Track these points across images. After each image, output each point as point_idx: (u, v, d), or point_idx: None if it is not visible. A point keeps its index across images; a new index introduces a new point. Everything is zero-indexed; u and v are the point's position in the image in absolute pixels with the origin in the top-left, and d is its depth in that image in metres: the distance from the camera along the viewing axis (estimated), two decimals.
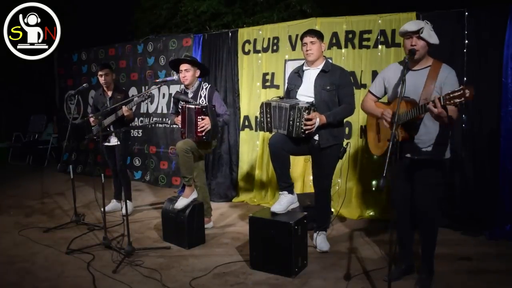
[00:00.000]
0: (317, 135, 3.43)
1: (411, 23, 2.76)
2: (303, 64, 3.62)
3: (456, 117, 2.59)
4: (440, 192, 2.98)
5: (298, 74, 3.60)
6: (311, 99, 3.42)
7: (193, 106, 3.81)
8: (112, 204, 4.95)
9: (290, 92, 3.62)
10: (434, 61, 2.76)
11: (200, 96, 4.05)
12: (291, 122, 3.29)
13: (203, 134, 3.83)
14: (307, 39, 3.44)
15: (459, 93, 2.24)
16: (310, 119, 3.24)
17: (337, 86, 3.43)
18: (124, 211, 4.69)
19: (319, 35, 3.49)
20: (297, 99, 3.50)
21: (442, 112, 2.38)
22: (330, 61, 4.49)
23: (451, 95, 2.27)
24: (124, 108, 4.34)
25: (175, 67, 4.16)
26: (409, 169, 2.84)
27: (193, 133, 3.85)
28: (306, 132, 3.28)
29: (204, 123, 3.81)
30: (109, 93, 4.78)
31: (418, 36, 2.70)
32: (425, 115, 2.65)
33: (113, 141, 4.76)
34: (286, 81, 3.87)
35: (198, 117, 3.79)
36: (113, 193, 5.04)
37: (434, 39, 2.71)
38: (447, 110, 2.41)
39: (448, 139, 2.80)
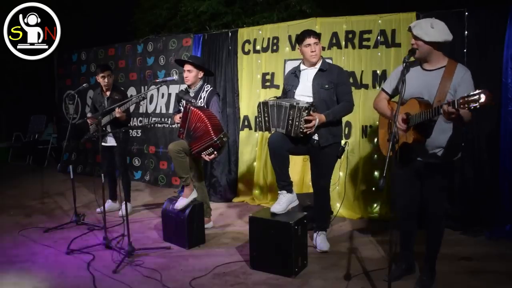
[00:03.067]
0: (317, 134, 3.42)
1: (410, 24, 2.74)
2: (299, 64, 3.62)
3: (467, 119, 2.51)
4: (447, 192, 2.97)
5: (295, 75, 3.59)
6: (310, 99, 3.41)
7: (215, 137, 3.69)
8: (108, 204, 4.93)
9: (288, 93, 3.61)
10: (449, 61, 2.67)
11: (200, 97, 4.06)
12: (290, 122, 3.29)
13: (200, 156, 3.84)
14: (311, 40, 3.42)
15: (474, 97, 2.15)
16: (309, 120, 3.24)
17: (335, 85, 3.43)
18: (121, 211, 4.74)
19: (319, 36, 3.50)
20: (295, 98, 3.50)
21: (454, 112, 2.29)
22: (330, 61, 4.51)
23: (466, 99, 2.18)
24: (117, 110, 4.34)
25: (180, 65, 4.21)
26: (419, 172, 2.82)
27: (191, 138, 3.83)
28: (306, 132, 3.28)
29: (211, 157, 3.81)
30: (107, 93, 4.78)
31: (413, 35, 2.67)
32: (439, 117, 2.59)
33: (110, 141, 4.75)
34: (283, 82, 3.86)
35: (211, 148, 3.75)
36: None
37: (432, 36, 2.59)
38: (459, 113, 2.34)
39: (461, 140, 2.76)
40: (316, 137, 3.44)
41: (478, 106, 2.15)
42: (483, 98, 2.13)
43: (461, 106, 2.21)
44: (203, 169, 4.38)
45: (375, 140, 4.44)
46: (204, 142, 3.74)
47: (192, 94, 4.11)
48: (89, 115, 4.84)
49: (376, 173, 4.49)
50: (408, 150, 2.74)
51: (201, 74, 4.11)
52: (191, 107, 3.85)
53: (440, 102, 2.51)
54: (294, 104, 3.28)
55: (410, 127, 2.64)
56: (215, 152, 3.80)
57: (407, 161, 2.79)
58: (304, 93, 3.48)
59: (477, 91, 2.16)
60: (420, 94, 2.69)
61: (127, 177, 4.88)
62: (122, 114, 4.40)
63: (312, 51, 3.42)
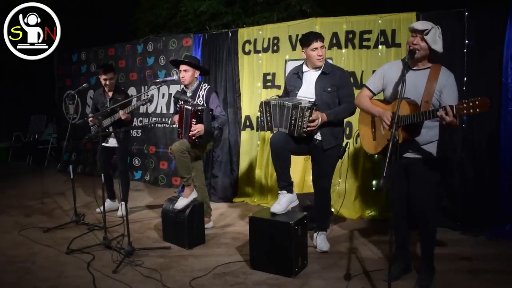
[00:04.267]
0: (320, 135, 3.42)
1: (422, 23, 2.76)
2: (301, 65, 3.61)
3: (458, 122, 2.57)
4: (436, 191, 2.97)
5: (297, 76, 3.58)
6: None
7: (189, 107, 3.78)
8: (107, 204, 4.91)
9: (290, 94, 3.61)
10: (433, 64, 2.76)
11: (199, 96, 4.06)
12: (293, 122, 3.29)
13: (195, 137, 3.82)
14: (318, 44, 3.40)
15: (473, 104, 2.20)
16: (313, 120, 3.24)
17: (337, 87, 3.43)
18: (119, 212, 4.74)
19: (323, 38, 3.50)
20: (297, 98, 3.49)
21: (453, 121, 2.35)
22: (331, 61, 4.51)
23: (464, 105, 2.24)
24: (121, 112, 4.33)
25: (176, 66, 4.20)
26: (406, 169, 2.84)
27: (187, 134, 3.85)
28: (309, 131, 3.27)
29: (197, 128, 3.76)
30: (110, 94, 4.76)
31: (421, 37, 2.68)
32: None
33: (112, 142, 4.74)
34: (285, 81, 3.87)
35: (192, 120, 3.76)
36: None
37: (438, 46, 2.68)
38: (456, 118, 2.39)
39: (443, 137, 2.79)
40: (319, 137, 3.43)
41: (476, 112, 2.20)
42: (480, 105, 2.17)
43: (461, 112, 2.27)
44: (203, 169, 4.38)
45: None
46: (188, 120, 3.77)
47: (189, 94, 4.10)
48: (90, 115, 4.83)
49: (376, 173, 4.49)
50: (398, 149, 2.75)
51: (197, 73, 4.12)
52: (184, 106, 3.87)
53: (428, 102, 2.57)
54: (297, 104, 3.27)
55: (398, 127, 2.65)
56: (197, 122, 3.74)
57: (397, 159, 2.80)
58: (307, 95, 3.47)
59: (478, 98, 2.20)
60: (406, 92, 2.70)
61: (127, 177, 4.87)
62: (127, 115, 4.40)
63: (319, 55, 3.41)
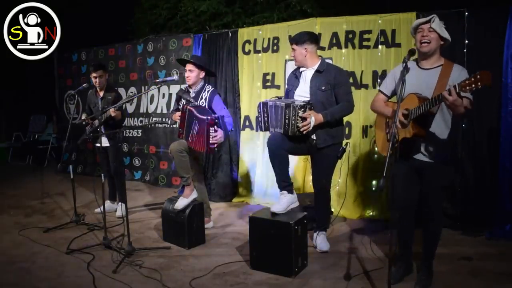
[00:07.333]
0: (315, 135, 3.42)
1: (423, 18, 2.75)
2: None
3: (468, 108, 2.54)
4: (444, 192, 2.98)
5: (295, 75, 3.61)
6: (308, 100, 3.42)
7: (204, 117, 3.66)
8: (106, 205, 4.89)
9: (289, 93, 3.64)
10: (446, 61, 2.73)
11: (201, 98, 4.04)
12: (287, 121, 3.30)
13: (215, 146, 3.77)
14: (291, 47, 3.52)
15: (474, 78, 2.19)
16: (305, 118, 3.24)
17: (333, 86, 3.42)
18: (118, 213, 4.73)
19: (297, 40, 3.47)
20: (293, 98, 3.51)
21: (457, 100, 2.33)
22: (330, 61, 4.51)
23: (467, 82, 2.23)
24: (111, 109, 4.30)
25: (183, 65, 4.19)
26: (417, 171, 2.82)
27: (192, 138, 3.82)
28: (302, 131, 3.28)
29: (218, 135, 3.70)
30: (101, 93, 4.73)
31: (429, 28, 2.66)
32: (437, 113, 2.64)
33: (104, 142, 4.71)
34: (286, 81, 3.88)
35: (211, 129, 3.66)
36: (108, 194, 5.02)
37: (445, 34, 2.67)
38: (461, 99, 2.38)
39: (456, 138, 2.78)
40: (314, 137, 3.44)
41: (479, 86, 2.18)
42: (482, 78, 2.17)
43: (463, 89, 2.26)
44: (203, 169, 4.37)
45: (373, 141, 4.42)
46: (203, 131, 3.69)
47: (192, 95, 4.09)
48: (83, 116, 4.80)
49: (376, 173, 4.50)
50: (408, 147, 2.74)
51: (202, 74, 4.09)
52: (188, 107, 3.85)
53: None
54: (290, 103, 3.29)
55: (409, 121, 2.65)
56: (217, 130, 3.69)
57: (407, 157, 2.79)
58: (303, 94, 3.49)
59: (477, 73, 2.20)
60: (418, 91, 2.70)
61: (122, 177, 4.83)
62: (117, 112, 4.35)
63: (292, 56, 3.55)
